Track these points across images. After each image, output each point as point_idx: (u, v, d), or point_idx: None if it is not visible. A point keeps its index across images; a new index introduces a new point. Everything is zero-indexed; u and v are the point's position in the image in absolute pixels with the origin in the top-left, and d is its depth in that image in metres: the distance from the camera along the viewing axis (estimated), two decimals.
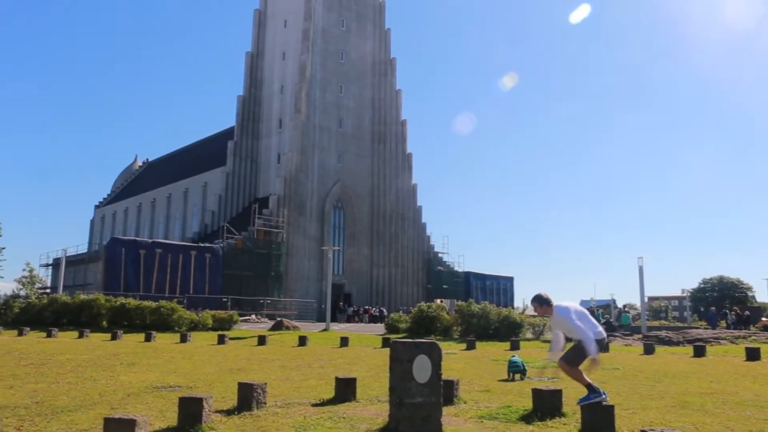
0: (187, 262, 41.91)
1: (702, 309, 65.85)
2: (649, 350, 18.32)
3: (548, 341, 22.55)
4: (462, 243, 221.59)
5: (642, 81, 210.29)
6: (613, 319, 41.94)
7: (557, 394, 7.59)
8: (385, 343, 19.49)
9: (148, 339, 21.01)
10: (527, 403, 7.84)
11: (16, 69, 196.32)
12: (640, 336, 24.73)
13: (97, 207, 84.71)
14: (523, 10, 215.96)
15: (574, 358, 6.78)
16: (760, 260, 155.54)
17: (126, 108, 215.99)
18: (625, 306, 63.50)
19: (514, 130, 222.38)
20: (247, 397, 7.73)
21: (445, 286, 56.54)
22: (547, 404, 7.44)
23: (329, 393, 8.87)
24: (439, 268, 59.94)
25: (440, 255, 62.51)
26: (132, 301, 27.74)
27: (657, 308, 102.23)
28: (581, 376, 6.79)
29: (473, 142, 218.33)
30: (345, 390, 8.62)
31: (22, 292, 37.27)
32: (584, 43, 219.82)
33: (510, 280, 65.17)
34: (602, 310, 49.83)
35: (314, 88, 57.39)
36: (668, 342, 21.87)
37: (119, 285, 37.55)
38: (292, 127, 55.95)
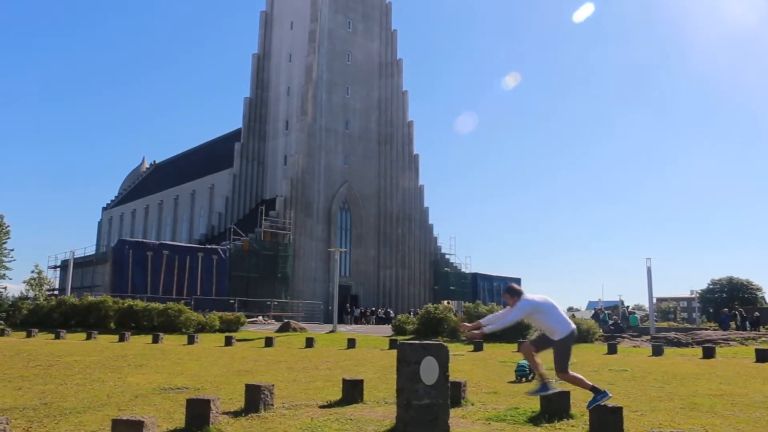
0: (194, 264, 42.04)
1: (711, 310, 65.46)
2: (657, 352, 18.22)
3: None
4: (469, 244, 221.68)
5: (647, 79, 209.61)
6: (620, 320, 41.73)
7: (565, 395, 7.55)
8: (393, 344, 19.46)
9: (155, 341, 21.07)
10: (535, 405, 7.81)
11: (25, 71, 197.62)
12: (649, 337, 24.61)
13: (104, 209, 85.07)
14: (526, 9, 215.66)
15: (561, 361, 6.91)
16: None
17: (133, 110, 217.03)
18: (627, 306, 63.16)
19: (520, 131, 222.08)
20: (255, 399, 7.73)
21: (452, 288, 56.46)
22: (554, 406, 7.41)
23: (336, 395, 8.86)
24: (446, 269, 59.86)
25: (447, 256, 62.43)
26: (139, 303, 27.81)
27: (665, 309, 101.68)
28: (581, 380, 6.82)
29: (480, 142, 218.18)
30: (352, 392, 8.60)
31: (31, 294, 37.50)
32: (592, 42, 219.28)
33: (517, 281, 65.02)
34: (609, 311, 49.54)
35: (320, 90, 57.45)
36: (677, 343, 21.76)
37: (127, 287, 37.69)
38: (299, 128, 56.02)
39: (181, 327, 26.04)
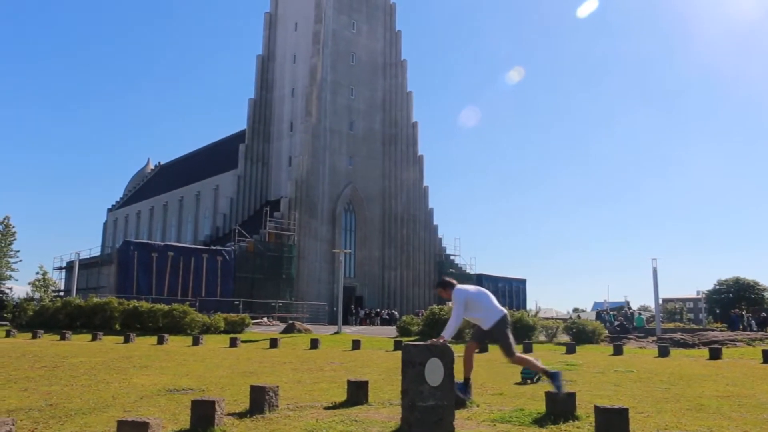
0: (199, 265, 42.13)
1: (718, 311, 65.17)
2: (663, 353, 18.14)
3: (562, 344, 22.41)
4: (474, 245, 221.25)
5: (651, 75, 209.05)
6: (626, 321, 41.60)
7: (571, 397, 7.52)
8: (397, 346, 19.44)
9: (160, 342, 21.09)
10: (540, 406, 7.77)
11: (29, 73, 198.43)
12: (655, 338, 24.53)
13: (109, 210, 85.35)
14: (530, 6, 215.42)
15: (505, 347, 7.22)
16: None
17: (138, 112, 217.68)
18: (630, 308, 63.03)
19: (524, 130, 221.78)
20: (260, 400, 7.72)
21: None
22: (560, 407, 7.37)
23: (341, 396, 8.84)
24: (451, 270, 59.82)
25: (452, 257, 62.40)
26: (144, 304, 27.86)
27: (671, 310, 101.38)
28: (531, 362, 7.22)
29: (484, 143, 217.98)
30: (357, 393, 8.58)
31: (36, 295, 37.66)
32: (595, 38, 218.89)
33: (522, 282, 64.98)
34: (615, 312, 49.46)
35: (325, 91, 57.51)
36: (683, 344, 21.68)
37: (132, 288, 37.81)
38: (303, 129, 56.08)
39: (185, 328, 26.08)
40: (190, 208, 66.66)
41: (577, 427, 6.94)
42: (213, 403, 6.81)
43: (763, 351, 16.64)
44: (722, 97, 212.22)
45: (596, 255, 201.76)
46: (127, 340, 21.47)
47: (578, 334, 23.55)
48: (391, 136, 61.47)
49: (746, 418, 7.75)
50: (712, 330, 30.63)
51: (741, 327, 34.97)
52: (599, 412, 6.57)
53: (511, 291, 61.31)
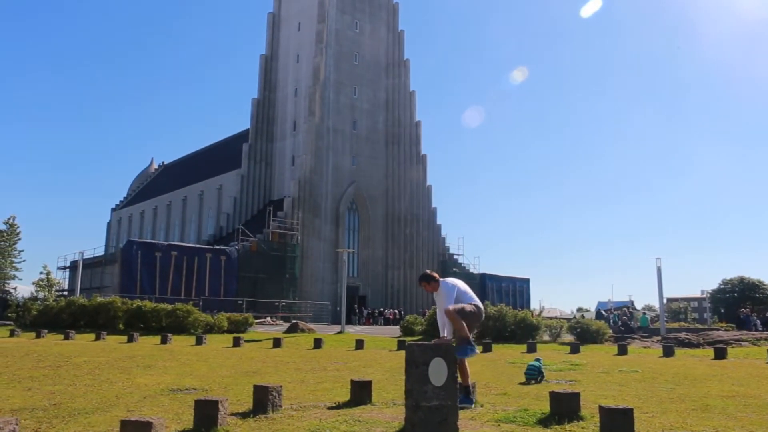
0: (203, 265, 42.17)
1: (722, 310, 64.94)
2: (668, 352, 18.07)
3: (566, 343, 22.35)
4: (477, 244, 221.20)
5: (656, 75, 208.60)
6: (630, 321, 41.51)
7: (575, 397, 7.48)
8: (401, 345, 19.42)
9: (163, 341, 21.11)
10: (545, 407, 7.74)
11: (34, 72, 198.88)
12: (659, 338, 24.46)
13: (113, 210, 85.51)
14: (534, 5, 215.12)
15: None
16: None
17: (141, 111, 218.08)
18: (627, 307, 62.93)
19: (528, 130, 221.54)
20: (263, 400, 7.70)
21: None
22: (564, 407, 7.34)
23: (345, 396, 8.83)
24: (454, 269, 59.71)
25: (455, 256, 62.34)
26: (148, 304, 27.90)
27: (676, 310, 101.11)
28: (464, 372, 7.29)
29: (488, 142, 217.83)
30: (360, 393, 8.56)
31: (40, 295, 37.70)
32: (599, 37, 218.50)
33: (526, 281, 64.85)
34: (618, 312, 49.33)
35: (328, 90, 57.51)
36: (688, 344, 21.61)
37: (135, 287, 37.85)
38: (306, 129, 56.10)
39: (189, 328, 26.11)
40: (193, 207, 66.75)
41: (582, 428, 6.90)
42: (216, 402, 6.79)
43: None
44: (728, 96, 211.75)
45: (600, 254, 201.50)
46: (130, 340, 21.50)
47: (582, 333, 23.50)
48: (394, 136, 61.45)
49: (752, 419, 7.70)
50: (717, 330, 30.51)
51: (753, 327, 34.21)
52: (604, 412, 6.54)
53: (515, 290, 61.21)
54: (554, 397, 7.47)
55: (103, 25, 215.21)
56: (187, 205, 67.94)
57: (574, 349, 19.03)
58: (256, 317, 32.81)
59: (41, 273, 39.62)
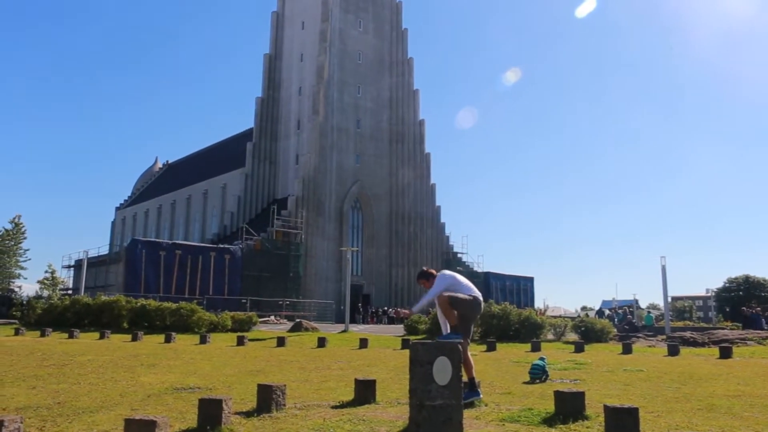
0: (207, 264, 42.22)
1: (728, 309, 64.65)
2: (673, 351, 17.99)
3: (570, 342, 22.29)
4: (481, 243, 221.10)
5: (658, 73, 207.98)
6: (624, 321, 41.37)
7: (580, 396, 7.45)
8: (405, 344, 19.39)
9: (167, 340, 21.12)
10: (549, 406, 7.71)
11: (38, 72, 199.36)
12: (664, 337, 24.38)
13: (117, 209, 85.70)
14: (536, 4, 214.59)
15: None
16: None
17: (146, 111, 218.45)
18: (628, 306, 62.80)
19: (532, 129, 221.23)
20: (267, 399, 7.69)
21: None
22: (569, 407, 7.30)
23: (349, 395, 8.80)
24: (458, 268, 59.60)
25: (459, 255, 62.29)
26: (152, 303, 27.93)
27: (681, 308, 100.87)
28: (468, 363, 7.30)
29: (492, 141, 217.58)
30: (364, 392, 8.54)
31: (45, 293, 37.85)
32: (597, 37, 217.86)
33: (530, 280, 64.74)
34: (622, 311, 49.21)
35: (332, 89, 57.51)
36: (693, 343, 21.51)
37: (139, 286, 37.90)
38: (310, 128, 56.12)
39: (193, 326, 26.12)
40: (197, 206, 66.84)
41: (587, 427, 6.87)
42: (220, 401, 6.78)
43: None
44: (730, 95, 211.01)
45: (605, 253, 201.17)
46: (134, 339, 21.51)
47: (587, 332, 23.42)
48: (397, 134, 61.41)
49: (758, 418, 7.65)
50: (723, 328, 30.36)
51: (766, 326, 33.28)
52: (609, 411, 6.50)
53: (519, 289, 61.11)
54: (559, 396, 7.43)
55: (107, 24, 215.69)
56: (191, 204, 68.05)
57: (579, 348, 18.97)
58: (260, 316, 32.81)
59: (46, 272, 39.86)
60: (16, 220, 59.97)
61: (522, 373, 12.04)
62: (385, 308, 51.92)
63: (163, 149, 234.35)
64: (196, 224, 66.52)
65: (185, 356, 15.75)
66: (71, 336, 22.29)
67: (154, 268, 40.15)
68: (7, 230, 59.07)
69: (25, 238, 60.67)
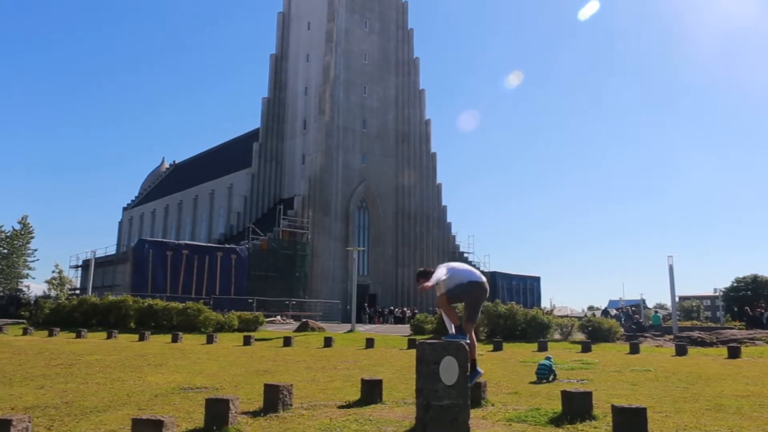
0: (213, 263, 42.29)
1: (736, 309, 64.29)
2: (681, 351, 17.90)
3: (577, 342, 22.21)
4: (488, 243, 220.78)
5: (664, 73, 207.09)
6: (624, 320, 41.16)
7: (587, 396, 7.42)
8: (411, 344, 19.37)
9: (174, 340, 21.18)
10: (556, 406, 7.68)
11: (45, 71, 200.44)
12: (672, 337, 24.25)
13: (125, 209, 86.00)
14: (538, 5, 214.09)
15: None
16: None
17: (153, 111, 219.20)
18: (633, 306, 62.53)
19: (539, 128, 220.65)
20: (273, 399, 7.70)
21: None
22: (576, 407, 7.28)
23: (355, 395, 8.80)
24: None
25: (466, 255, 62.14)
26: (159, 302, 28.00)
27: (688, 308, 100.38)
28: (473, 345, 6.85)
29: (498, 140, 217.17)
30: (371, 392, 8.54)
31: (53, 293, 38.02)
32: (597, 38, 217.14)
33: (537, 279, 64.56)
34: (623, 310, 49.06)
35: (338, 89, 57.52)
36: (701, 343, 21.38)
37: (147, 286, 38.01)
38: (317, 128, 56.15)
39: (200, 326, 26.18)
40: (204, 206, 67.00)
41: (594, 427, 6.85)
42: (227, 401, 6.79)
43: None
44: (736, 95, 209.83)
45: (612, 252, 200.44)
46: (141, 338, 21.58)
47: (594, 332, 23.33)
48: (404, 134, 61.37)
49: (767, 419, 7.60)
50: (731, 328, 30.19)
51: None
52: (617, 411, 6.48)
53: (526, 289, 60.97)
54: (566, 396, 7.41)
55: (114, 27, 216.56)
56: (198, 204, 68.22)
57: (586, 348, 18.90)
58: (266, 316, 32.85)
59: (54, 272, 40.03)
60: (24, 220, 60.32)
61: (529, 373, 12.01)
62: (392, 308, 51.87)
63: (170, 150, 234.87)
64: (202, 224, 66.68)
65: (192, 356, 15.79)
66: (79, 336, 22.38)
67: (161, 268, 40.26)
68: (15, 230, 59.42)
69: (32, 238, 61.04)
